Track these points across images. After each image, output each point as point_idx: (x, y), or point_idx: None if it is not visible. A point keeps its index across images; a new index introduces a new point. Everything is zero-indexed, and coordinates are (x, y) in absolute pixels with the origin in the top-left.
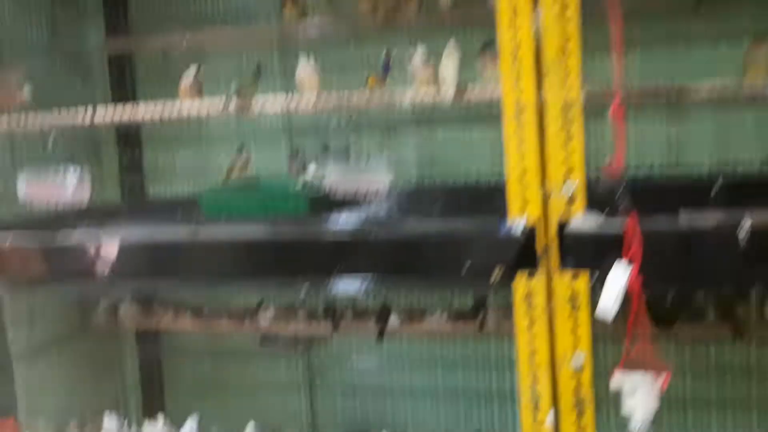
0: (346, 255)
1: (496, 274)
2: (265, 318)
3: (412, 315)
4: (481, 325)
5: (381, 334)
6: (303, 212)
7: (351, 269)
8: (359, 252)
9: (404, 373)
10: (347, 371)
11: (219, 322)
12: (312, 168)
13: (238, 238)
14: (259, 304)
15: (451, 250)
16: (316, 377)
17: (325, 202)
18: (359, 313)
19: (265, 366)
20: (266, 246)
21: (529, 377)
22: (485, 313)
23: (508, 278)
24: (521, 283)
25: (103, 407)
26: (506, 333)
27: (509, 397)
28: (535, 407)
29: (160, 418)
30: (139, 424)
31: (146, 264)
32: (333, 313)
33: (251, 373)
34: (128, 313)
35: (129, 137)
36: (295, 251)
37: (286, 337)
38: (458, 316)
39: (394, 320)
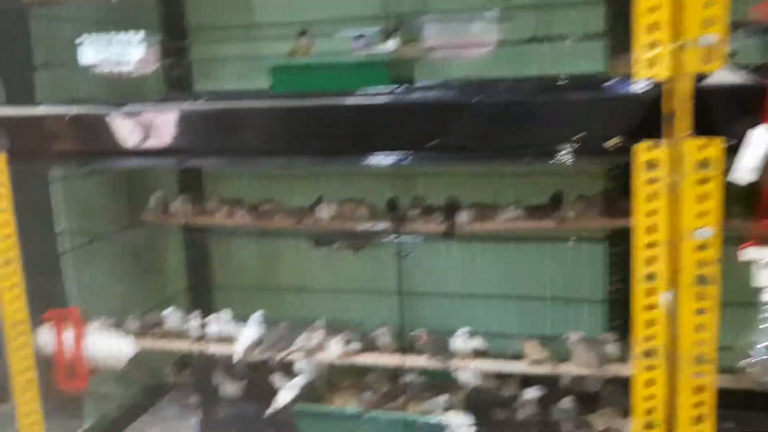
0: (444, 123)
1: (615, 140)
2: (324, 214)
3: (484, 211)
4: (561, 219)
5: (449, 231)
6: (384, 85)
7: (449, 139)
8: (459, 119)
9: (478, 273)
10: (418, 270)
11: (276, 219)
12: (392, 42)
13: (317, 105)
14: (318, 201)
15: (563, 113)
16: (401, 279)
17: (408, 76)
18: (425, 209)
19: (320, 267)
20: (349, 114)
21: (645, 255)
22: (564, 206)
23: (628, 145)
24: (643, 151)
25: (152, 304)
26: (587, 227)
27: (590, 299)
28: (650, 288)
29: (225, 312)
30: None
31: (212, 135)
32: (396, 208)
33: (305, 274)
34: (180, 207)
35: (175, 28)
36: (385, 119)
37: (343, 236)
38: (534, 210)
39: (464, 216)
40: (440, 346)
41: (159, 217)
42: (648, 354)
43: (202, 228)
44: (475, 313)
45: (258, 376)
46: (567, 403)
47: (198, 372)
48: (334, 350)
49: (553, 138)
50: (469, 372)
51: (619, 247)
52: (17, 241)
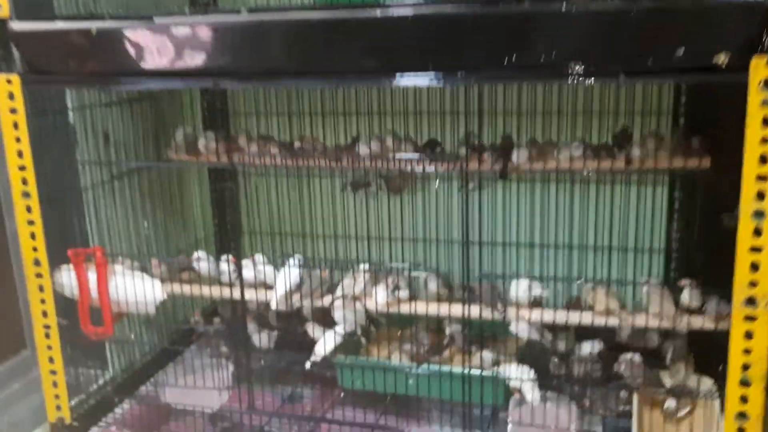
0: (524, 36)
1: (723, 56)
2: (366, 151)
3: (542, 148)
4: (628, 160)
5: (503, 171)
6: None
7: (527, 54)
8: (542, 31)
9: (527, 218)
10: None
11: (310, 158)
12: None
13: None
14: (356, 139)
15: (666, 24)
16: (465, 221)
17: None
18: (476, 148)
19: (359, 210)
20: (409, 26)
21: (755, 189)
22: (631, 145)
23: (742, 62)
24: (760, 67)
25: (177, 247)
26: (656, 169)
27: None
28: (758, 227)
29: (260, 256)
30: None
31: (249, 51)
32: (438, 146)
33: (337, 219)
34: (209, 144)
35: None
36: (456, 31)
37: (381, 177)
38: (598, 149)
39: (520, 156)
40: (496, 296)
41: (185, 153)
42: (749, 302)
43: (231, 166)
44: (523, 262)
45: (292, 325)
46: (633, 357)
47: (228, 319)
48: (381, 297)
49: (653, 53)
50: (524, 323)
51: (683, 191)
52: (35, 174)
